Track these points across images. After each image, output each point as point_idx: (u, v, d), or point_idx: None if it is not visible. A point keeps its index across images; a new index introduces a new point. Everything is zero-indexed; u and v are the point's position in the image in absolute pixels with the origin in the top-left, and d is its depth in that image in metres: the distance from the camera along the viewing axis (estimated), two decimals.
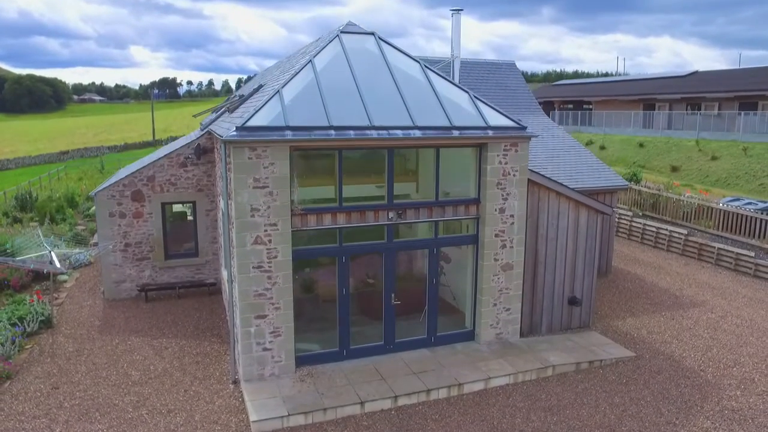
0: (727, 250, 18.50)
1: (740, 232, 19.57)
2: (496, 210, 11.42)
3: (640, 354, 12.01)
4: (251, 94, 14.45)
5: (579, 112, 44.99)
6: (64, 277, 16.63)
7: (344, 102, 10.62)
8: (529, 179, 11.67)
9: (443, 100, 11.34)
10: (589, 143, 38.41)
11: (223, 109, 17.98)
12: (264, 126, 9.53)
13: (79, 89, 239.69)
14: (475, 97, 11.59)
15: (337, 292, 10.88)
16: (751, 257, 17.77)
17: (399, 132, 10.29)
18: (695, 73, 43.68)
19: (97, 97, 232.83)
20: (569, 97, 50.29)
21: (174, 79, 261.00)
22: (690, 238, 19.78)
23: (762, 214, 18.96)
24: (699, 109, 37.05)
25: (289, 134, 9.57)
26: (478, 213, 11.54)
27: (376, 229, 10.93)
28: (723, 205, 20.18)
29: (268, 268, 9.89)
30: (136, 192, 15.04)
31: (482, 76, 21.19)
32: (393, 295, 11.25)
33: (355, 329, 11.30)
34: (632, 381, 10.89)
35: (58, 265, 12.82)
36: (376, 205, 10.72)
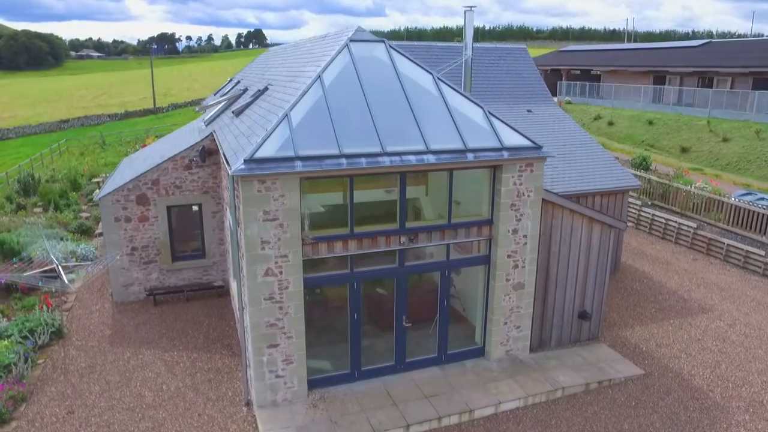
0: (737, 247, 18.36)
1: (751, 228, 19.37)
2: (509, 231, 11.24)
3: (649, 371, 12.05)
4: (256, 97, 14.05)
5: (587, 83, 44.00)
6: (72, 276, 16.59)
7: (354, 123, 10.29)
8: (543, 198, 11.43)
9: (457, 117, 10.97)
10: (597, 118, 37.73)
11: (223, 103, 17.52)
12: (273, 157, 9.25)
13: (76, 45, 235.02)
14: (489, 113, 11.22)
15: (348, 317, 10.84)
16: (761, 256, 17.65)
17: (412, 158, 10.01)
18: (708, 43, 42.50)
19: (95, 53, 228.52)
20: (577, 66, 49.12)
21: (173, 35, 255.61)
22: (699, 232, 19.62)
23: None
24: (711, 84, 36.16)
25: (299, 165, 9.30)
26: (491, 234, 11.36)
27: (387, 252, 10.78)
28: (734, 199, 19.91)
29: (280, 299, 9.81)
30: (140, 196, 14.84)
31: (493, 63, 20.60)
32: (405, 317, 11.22)
33: (366, 343, 11.29)
34: (641, 404, 10.96)
35: (66, 281, 12.76)
36: (388, 230, 10.53)
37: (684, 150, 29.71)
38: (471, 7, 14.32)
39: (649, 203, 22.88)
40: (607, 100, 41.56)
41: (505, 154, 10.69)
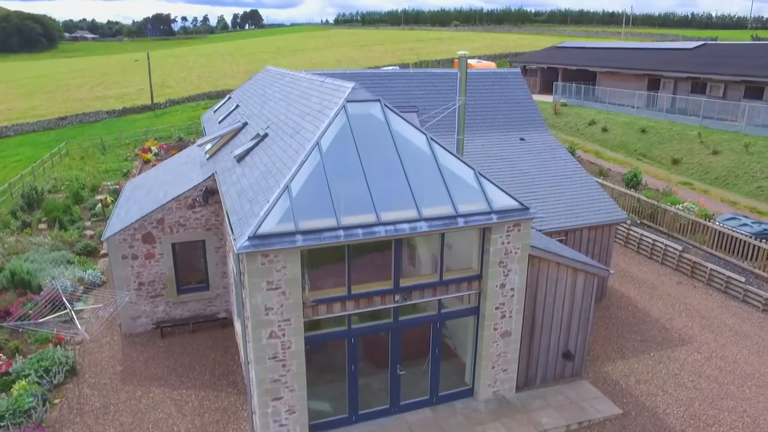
0: (719, 272, 19.12)
1: (734, 253, 20.13)
2: (497, 286, 11.96)
3: (627, 410, 12.89)
4: (257, 143, 14.63)
5: (583, 86, 44.37)
6: (81, 305, 17.32)
7: (351, 190, 10.87)
8: (529, 254, 12.13)
9: (448, 179, 11.55)
10: (591, 123, 38.23)
11: (218, 140, 18.01)
12: (275, 233, 9.89)
13: (70, 26, 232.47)
14: (479, 174, 11.82)
15: (346, 368, 11.60)
16: (741, 282, 18.43)
17: (405, 226, 10.67)
18: (703, 45, 42.84)
19: (89, 35, 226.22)
20: (573, 64, 49.37)
21: (168, 15, 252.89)
22: (684, 255, 20.36)
23: (754, 239, 19.46)
24: (704, 89, 36.63)
25: (299, 240, 9.96)
26: (480, 288, 12.09)
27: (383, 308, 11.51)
28: (718, 224, 20.64)
29: (283, 357, 10.56)
30: (146, 235, 15.49)
31: (488, 88, 21.14)
32: (399, 366, 12.00)
33: (362, 381, 12.05)
34: None
35: (79, 326, 13.47)
36: (383, 290, 11.24)
37: (675, 161, 30.36)
38: (465, 54, 14.81)
39: (638, 222, 23.60)
40: (602, 103, 42.00)
41: (494, 217, 11.35)
